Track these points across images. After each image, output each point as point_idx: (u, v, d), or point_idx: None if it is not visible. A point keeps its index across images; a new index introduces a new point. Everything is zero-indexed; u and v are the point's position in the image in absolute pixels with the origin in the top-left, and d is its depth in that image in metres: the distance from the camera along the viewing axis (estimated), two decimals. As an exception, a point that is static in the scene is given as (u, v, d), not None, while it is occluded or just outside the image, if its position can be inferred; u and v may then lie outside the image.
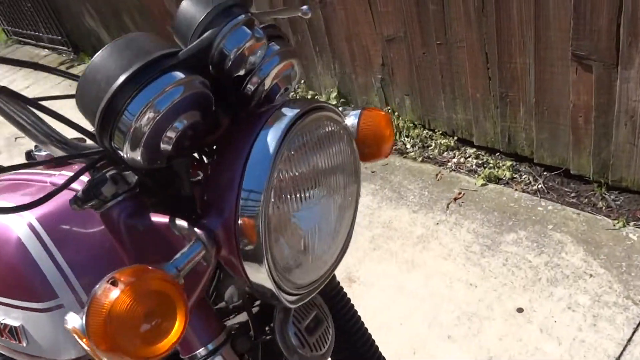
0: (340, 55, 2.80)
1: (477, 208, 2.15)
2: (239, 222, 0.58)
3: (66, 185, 0.61)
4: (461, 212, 2.16)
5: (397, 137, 2.66)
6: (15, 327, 0.79)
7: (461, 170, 2.37)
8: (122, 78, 0.53)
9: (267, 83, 0.69)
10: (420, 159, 2.51)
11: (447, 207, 2.20)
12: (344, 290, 0.94)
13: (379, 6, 2.38)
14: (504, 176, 2.24)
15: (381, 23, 2.43)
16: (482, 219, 2.09)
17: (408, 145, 2.61)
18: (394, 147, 2.63)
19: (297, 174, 0.62)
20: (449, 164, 2.42)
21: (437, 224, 2.14)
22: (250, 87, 0.68)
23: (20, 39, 6.28)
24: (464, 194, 2.24)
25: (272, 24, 0.72)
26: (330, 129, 0.67)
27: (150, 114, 0.54)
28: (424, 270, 1.96)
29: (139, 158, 0.56)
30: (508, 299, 1.77)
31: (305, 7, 0.96)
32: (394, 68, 2.55)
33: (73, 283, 0.75)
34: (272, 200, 0.59)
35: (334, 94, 2.96)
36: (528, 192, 2.15)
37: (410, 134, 2.63)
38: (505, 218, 2.06)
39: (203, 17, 0.60)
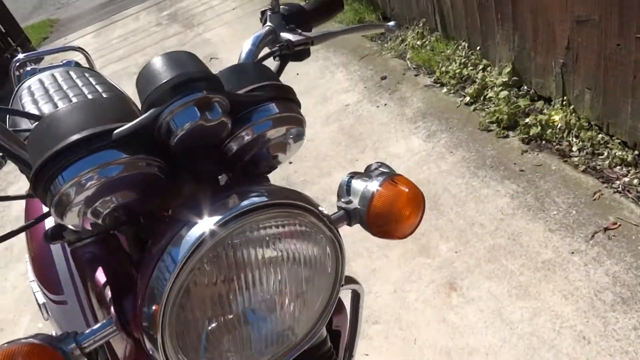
0: (522, 28, 2.43)
1: (630, 248, 1.77)
2: (145, 307, 0.54)
3: (35, 223, 0.64)
4: (607, 247, 1.80)
5: (565, 134, 2.27)
6: (40, 304, 0.90)
7: (628, 195, 1.95)
8: (51, 151, 0.52)
9: (251, 148, 0.62)
10: (582, 167, 2.12)
11: (592, 236, 1.85)
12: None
13: (574, -20, 1.97)
14: (682, 217, 1.78)
15: (574, 0, 2.03)
16: (631, 263, 1.72)
17: (574, 148, 2.21)
18: (557, 147, 2.27)
19: (230, 267, 0.56)
20: (617, 182, 2.01)
21: (572, 253, 1.82)
22: (232, 146, 0.61)
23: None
24: (620, 225, 1.86)
25: (280, 84, 0.63)
26: (287, 229, 0.57)
27: (79, 187, 0.52)
28: (535, 303, 1.71)
29: (68, 224, 0.56)
30: (623, 371, 1.47)
31: (392, 23, 0.91)
32: (579, 55, 2.13)
33: (77, 285, 0.81)
34: (192, 289, 0.54)
35: (507, 69, 2.62)
36: None
37: (580, 135, 2.22)
38: (661, 271, 1.67)
39: (160, 83, 0.54)
